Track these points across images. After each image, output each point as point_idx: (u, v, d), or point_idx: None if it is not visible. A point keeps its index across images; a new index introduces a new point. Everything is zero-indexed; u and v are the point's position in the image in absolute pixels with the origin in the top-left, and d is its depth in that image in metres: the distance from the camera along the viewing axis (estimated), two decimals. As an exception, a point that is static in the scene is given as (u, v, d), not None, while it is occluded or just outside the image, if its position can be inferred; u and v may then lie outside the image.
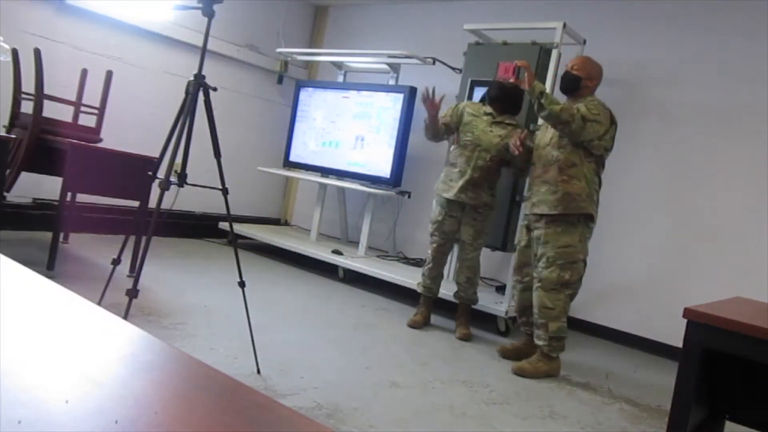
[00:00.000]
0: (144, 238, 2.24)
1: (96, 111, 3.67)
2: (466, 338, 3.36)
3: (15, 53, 3.32)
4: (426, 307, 3.54)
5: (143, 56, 4.62)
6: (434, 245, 3.46)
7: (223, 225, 4.94)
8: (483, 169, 3.28)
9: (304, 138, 5.09)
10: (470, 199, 3.31)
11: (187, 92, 2.24)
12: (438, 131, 3.33)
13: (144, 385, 0.44)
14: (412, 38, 5.09)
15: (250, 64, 5.38)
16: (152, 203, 2.43)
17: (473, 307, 3.56)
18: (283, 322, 3.07)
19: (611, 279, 4.04)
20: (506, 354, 3.12)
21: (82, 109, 3.71)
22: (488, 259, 4.40)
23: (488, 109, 3.38)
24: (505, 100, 3.34)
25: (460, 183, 3.31)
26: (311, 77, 5.88)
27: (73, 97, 3.69)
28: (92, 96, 3.73)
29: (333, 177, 4.82)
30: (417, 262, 4.57)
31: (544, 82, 3.61)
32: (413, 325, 3.44)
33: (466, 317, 3.48)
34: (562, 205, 2.87)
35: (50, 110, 3.32)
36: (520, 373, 2.86)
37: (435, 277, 3.51)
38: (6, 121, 3.47)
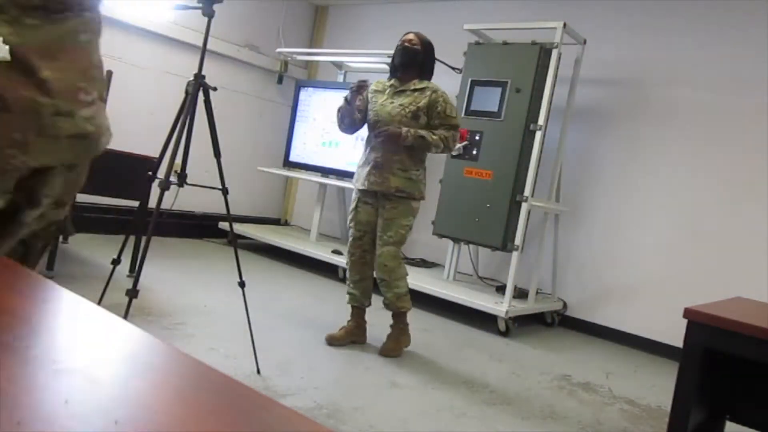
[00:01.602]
0: (144, 238, 2.24)
1: (96, 111, 3.66)
2: (386, 353, 2.80)
3: (15, 53, 3.31)
4: (354, 320, 2.91)
5: (143, 56, 4.62)
6: (350, 239, 2.93)
7: (223, 225, 4.93)
8: (385, 149, 2.79)
9: (304, 138, 5.09)
10: (374, 184, 2.79)
11: (187, 92, 2.24)
12: (355, 120, 2.91)
13: (144, 385, 0.44)
14: (412, 38, 5.08)
15: (250, 64, 5.38)
16: (152, 203, 2.42)
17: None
18: (283, 322, 3.07)
19: (611, 279, 4.04)
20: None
21: (82, 109, 3.71)
22: (488, 259, 4.40)
23: (393, 81, 2.90)
24: (410, 63, 2.84)
25: (366, 168, 2.85)
26: (311, 77, 5.88)
27: (73, 97, 3.69)
28: (92, 96, 3.72)
29: (333, 177, 4.82)
30: (417, 262, 4.56)
31: (544, 82, 3.63)
32: (330, 342, 2.82)
33: (395, 328, 2.87)
34: None
35: (50, 110, 3.31)
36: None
37: (357, 281, 2.91)
38: (6, 121, 3.47)
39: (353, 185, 2.97)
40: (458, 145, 3.58)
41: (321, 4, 5.89)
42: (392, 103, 2.83)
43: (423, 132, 2.76)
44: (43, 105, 0.70)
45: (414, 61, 2.84)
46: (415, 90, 2.83)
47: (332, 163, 4.84)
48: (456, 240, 4.10)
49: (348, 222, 2.97)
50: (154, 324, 2.61)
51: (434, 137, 2.75)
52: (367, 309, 2.95)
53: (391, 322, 2.90)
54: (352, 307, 2.92)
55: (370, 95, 2.92)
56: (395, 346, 2.86)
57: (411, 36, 2.86)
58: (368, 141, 2.91)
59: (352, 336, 2.89)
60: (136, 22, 4.47)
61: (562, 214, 4.12)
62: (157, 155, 2.39)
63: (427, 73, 2.90)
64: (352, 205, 2.94)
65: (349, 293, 2.93)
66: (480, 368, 2.88)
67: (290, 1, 5.66)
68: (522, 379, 2.81)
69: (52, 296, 0.60)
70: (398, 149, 2.78)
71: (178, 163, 2.22)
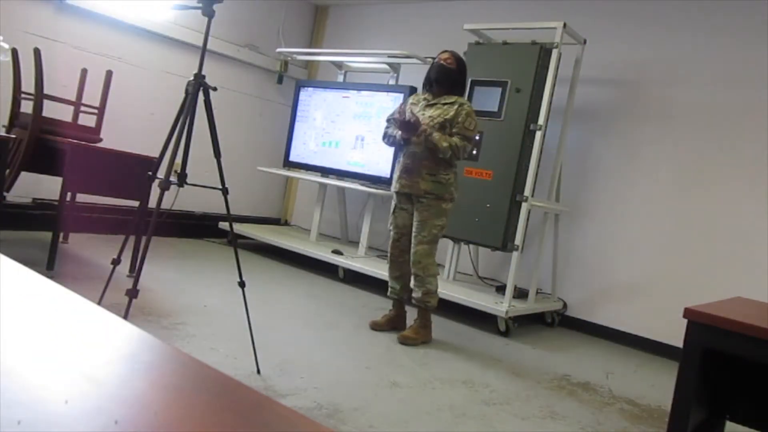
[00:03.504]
0: (144, 238, 2.24)
1: (96, 111, 3.67)
2: (403, 340, 3.07)
3: (15, 53, 3.32)
4: (395, 310, 3.32)
5: (143, 56, 4.62)
6: (390, 241, 3.27)
7: (223, 225, 4.93)
8: (415, 155, 3.05)
9: (304, 138, 5.09)
10: (405, 187, 3.10)
11: (187, 92, 2.24)
12: (399, 142, 3.17)
13: (144, 385, 0.44)
14: (412, 38, 5.09)
15: (250, 64, 5.38)
16: (152, 203, 2.42)
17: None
18: (283, 322, 3.07)
19: (611, 279, 4.04)
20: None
21: (82, 108, 3.71)
22: (488, 259, 4.41)
23: (426, 94, 3.19)
24: (444, 80, 3.12)
25: (398, 173, 3.16)
26: (311, 77, 5.88)
27: (73, 97, 3.69)
28: (92, 96, 3.73)
29: (333, 177, 4.82)
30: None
31: (544, 82, 3.63)
32: (373, 327, 3.23)
33: (419, 321, 3.17)
34: None
35: (50, 110, 3.32)
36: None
37: (397, 277, 3.27)
38: (6, 121, 3.47)
39: (392, 190, 3.28)
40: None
41: (321, 4, 5.89)
42: (423, 114, 3.11)
43: (436, 134, 3.00)
44: None
45: (448, 78, 3.13)
46: (445, 104, 3.10)
47: (332, 163, 4.84)
48: (456, 240, 4.10)
49: (388, 225, 3.31)
50: (154, 324, 2.61)
51: (444, 144, 2.98)
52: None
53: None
54: (393, 299, 3.33)
55: (407, 108, 3.21)
56: (413, 335, 3.12)
57: (446, 55, 3.16)
58: (403, 149, 3.16)
59: (393, 323, 3.28)
60: (136, 22, 4.48)
61: (562, 214, 4.12)
62: (157, 155, 2.39)
63: (459, 88, 3.19)
64: (392, 210, 3.27)
65: (390, 287, 3.32)
66: (480, 368, 2.88)
67: (290, 1, 5.66)
68: (522, 379, 2.81)
69: (52, 296, 0.60)
70: (426, 155, 3.04)
71: (178, 163, 2.22)
